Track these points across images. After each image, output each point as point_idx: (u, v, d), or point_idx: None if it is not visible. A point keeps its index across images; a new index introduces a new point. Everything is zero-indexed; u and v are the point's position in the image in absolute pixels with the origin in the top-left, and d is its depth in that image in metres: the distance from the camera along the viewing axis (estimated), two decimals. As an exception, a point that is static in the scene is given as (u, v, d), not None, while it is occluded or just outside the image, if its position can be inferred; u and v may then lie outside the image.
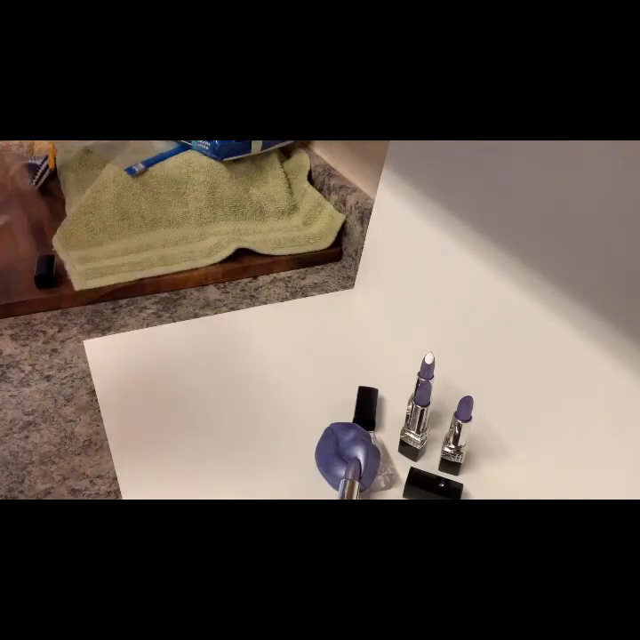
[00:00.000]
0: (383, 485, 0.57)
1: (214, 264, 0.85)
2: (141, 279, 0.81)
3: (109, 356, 0.71)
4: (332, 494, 0.57)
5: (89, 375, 0.68)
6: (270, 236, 0.92)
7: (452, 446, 0.58)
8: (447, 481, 0.56)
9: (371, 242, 0.81)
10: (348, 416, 0.65)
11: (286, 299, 0.83)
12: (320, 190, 0.98)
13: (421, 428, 0.59)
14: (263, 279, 0.87)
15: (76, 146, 1.01)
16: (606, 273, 0.51)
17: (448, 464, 0.59)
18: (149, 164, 0.88)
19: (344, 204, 0.91)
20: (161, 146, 0.93)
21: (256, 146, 0.94)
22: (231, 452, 0.60)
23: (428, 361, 0.57)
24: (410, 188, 0.74)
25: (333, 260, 0.92)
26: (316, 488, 0.57)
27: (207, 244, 0.88)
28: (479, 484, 0.58)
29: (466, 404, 0.56)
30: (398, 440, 0.62)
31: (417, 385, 0.58)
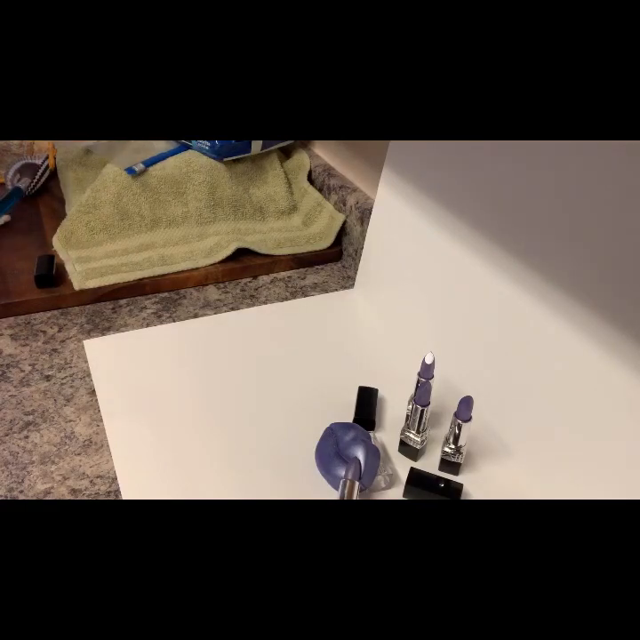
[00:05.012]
0: (383, 485, 0.57)
1: (214, 264, 0.85)
2: (141, 279, 0.81)
3: (109, 356, 0.71)
4: (332, 494, 0.57)
5: (89, 375, 0.68)
6: (270, 236, 0.92)
7: (452, 446, 0.58)
8: (447, 481, 0.56)
9: (371, 242, 0.81)
10: (348, 416, 0.65)
11: (286, 299, 0.83)
12: (320, 190, 0.98)
13: (421, 428, 0.59)
14: (263, 279, 0.87)
15: (76, 146, 1.01)
16: (607, 273, 0.51)
17: (448, 464, 0.59)
18: (149, 163, 0.88)
19: (344, 204, 0.91)
20: (161, 146, 0.93)
21: (256, 146, 0.94)
22: (231, 452, 0.60)
23: (428, 361, 0.57)
24: (410, 187, 0.74)
25: (333, 260, 0.92)
26: (315, 488, 0.57)
27: (207, 244, 0.88)
28: (479, 484, 0.58)
29: (466, 404, 0.56)
30: (398, 440, 0.62)
31: (417, 385, 0.58)
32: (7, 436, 0.61)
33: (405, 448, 0.61)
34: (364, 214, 0.85)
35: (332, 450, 0.57)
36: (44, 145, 1.06)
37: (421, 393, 0.58)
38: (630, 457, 0.50)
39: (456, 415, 0.57)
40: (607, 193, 0.50)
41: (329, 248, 0.91)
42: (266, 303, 0.82)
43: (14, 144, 1.14)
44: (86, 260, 0.83)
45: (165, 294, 0.83)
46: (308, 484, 0.58)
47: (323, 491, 0.57)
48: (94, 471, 0.58)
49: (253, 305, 0.82)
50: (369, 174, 0.90)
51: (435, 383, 0.68)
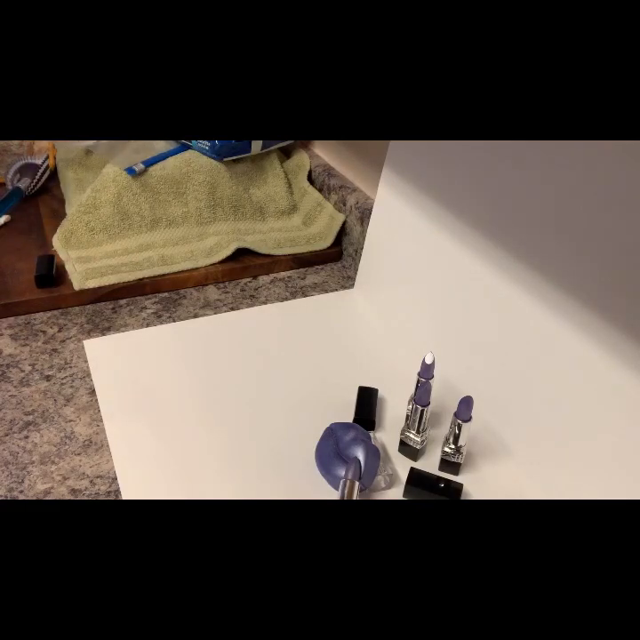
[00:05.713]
0: (383, 485, 0.57)
1: (214, 264, 0.85)
2: (141, 279, 0.81)
3: (109, 355, 0.71)
4: (332, 494, 0.57)
5: (89, 375, 0.68)
6: (270, 236, 0.92)
7: (452, 446, 0.58)
8: (447, 481, 0.56)
9: (371, 242, 0.81)
10: (348, 416, 0.65)
11: (286, 299, 0.83)
12: (320, 190, 0.98)
13: (421, 427, 0.59)
14: (263, 279, 0.87)
15: (76, 146, 1.01)
16: (607, 273, 0.51)
17: (448, 464, 0.59)
18: (149, 163, 0.88)
19: (344, 204, 0.91)
20: (161, 146, 0.93)
21: (256, 146, 0.94)
22: (231, 452, 0.60)
23: (428, 361, 0.57)
24: (410, 187, 0.74)
25: (333, 260, 0.92)
26: (315, 488, 0.57)
27: (207, 244, 0.88)
28: (479, 484, 0.58)
29: (466, 403, 0.56)
30: (398, 440, 0.62)
31: (417, 385, 0.58)
32: (7, 436, 0.61)
33: (405, 448, 0.61)
34: (364, 214, 0.85)
35: (332, 450, 0.57)
36: (44, 145, 1.06)
37: (421, 393, 0.58)
38: (630, 457, 0.50)
39: (456, 415, 0.57)
40: (607, 193, 0.50)
41: (329, 248, 0.91)
42: (266, 303, 0.82)
43: (14, 144, 1.14)
44: (86, 260, 0.83)
45: (165, 294, 0.83)
46: (308, 484, 0.58)
47: (323, 491, 0.57)
48: (94, 471, 0.58)
49: (253, 305, 0.82)
50: (369, 174, 0.90)
51: (435, 383, 0.68)
